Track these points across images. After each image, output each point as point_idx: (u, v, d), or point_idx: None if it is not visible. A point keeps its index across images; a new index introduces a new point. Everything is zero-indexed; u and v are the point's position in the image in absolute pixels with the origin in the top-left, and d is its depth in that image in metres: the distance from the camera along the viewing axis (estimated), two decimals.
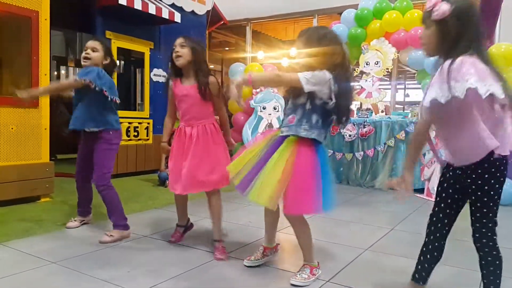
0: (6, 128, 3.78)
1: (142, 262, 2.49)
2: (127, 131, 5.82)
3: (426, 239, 1.85)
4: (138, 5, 5.35)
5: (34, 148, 4.00)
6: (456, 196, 1.77)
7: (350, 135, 5.54)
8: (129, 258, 2.54)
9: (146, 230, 3.14)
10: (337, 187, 2.52)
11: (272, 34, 11.16)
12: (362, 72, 6.22)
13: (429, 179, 4.71)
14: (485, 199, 1.65)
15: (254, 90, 5.85)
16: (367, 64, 5.94)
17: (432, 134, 1.85)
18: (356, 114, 6.09)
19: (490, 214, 1.67)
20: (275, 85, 2.19)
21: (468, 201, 1.74)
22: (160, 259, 2.56)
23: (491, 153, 1.59)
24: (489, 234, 1.68)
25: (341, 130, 5.54)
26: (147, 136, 6.08)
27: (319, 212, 2.17)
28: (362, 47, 6.07)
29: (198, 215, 3.43)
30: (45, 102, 4.07)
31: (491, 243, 1.69)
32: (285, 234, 2.99)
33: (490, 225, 1.68)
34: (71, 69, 9.64)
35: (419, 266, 1.88)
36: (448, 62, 1.53)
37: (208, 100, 2.67)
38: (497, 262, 1.70)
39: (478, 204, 1.67)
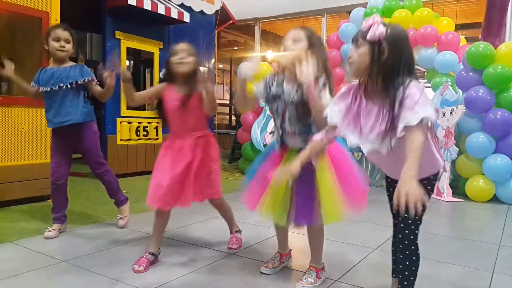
0: (17, 128, 3.83)
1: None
2: (137, 130, 5.85)
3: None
4: (147, 5, 5.39)
5: (44, 148, 4.03)
6: None
7: None
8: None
9: None
10: None
11: (281, 33, 11.15)
12: None
13: (438, 179, 4.67)
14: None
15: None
16: None
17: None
18: None
19: (418, 222, 1.70)
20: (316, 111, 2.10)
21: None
22: (169, 257, 2.58)
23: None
24: (416, 241, 1.70)
25: None
26: (157, 135, 6.11)
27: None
28: None
29: (207, 214, 3.44)
30: None
31: (418, 252, 1.71)
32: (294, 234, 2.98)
33: (416, 232, 1.70)
34: None
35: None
36: (405, 85, 1.56)
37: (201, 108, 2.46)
38: (419, 262, 1.73)
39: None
